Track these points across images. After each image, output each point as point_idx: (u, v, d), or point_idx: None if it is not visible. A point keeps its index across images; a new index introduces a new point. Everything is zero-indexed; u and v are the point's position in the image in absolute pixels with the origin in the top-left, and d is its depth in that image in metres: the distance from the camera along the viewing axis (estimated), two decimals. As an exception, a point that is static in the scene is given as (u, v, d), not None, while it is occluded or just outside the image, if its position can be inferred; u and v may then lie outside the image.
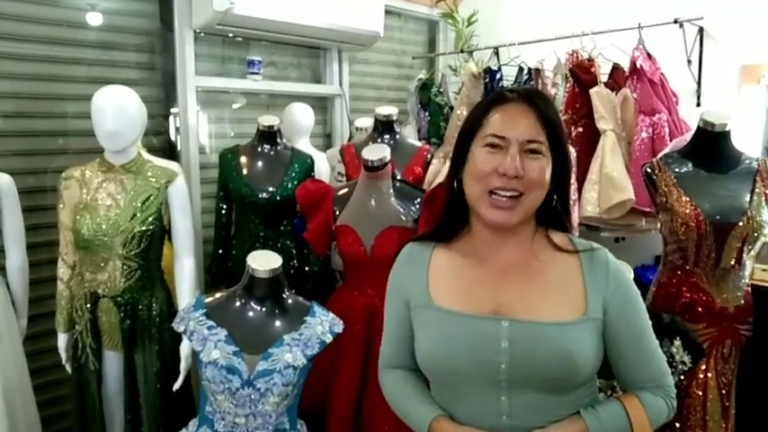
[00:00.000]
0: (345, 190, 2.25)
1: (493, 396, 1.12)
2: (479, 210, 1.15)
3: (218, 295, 1.78)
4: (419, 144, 2.80)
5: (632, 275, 1.84)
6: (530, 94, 1.16)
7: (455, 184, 1.22)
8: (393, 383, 1.31)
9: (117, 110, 2.00)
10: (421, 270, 1.24)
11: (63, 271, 2.15)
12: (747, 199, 2.00)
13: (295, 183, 2.57)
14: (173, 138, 3.03)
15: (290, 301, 1.77)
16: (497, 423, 1.12)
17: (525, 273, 1.17)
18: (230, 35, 3.06)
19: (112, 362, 2.14)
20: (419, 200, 2.16)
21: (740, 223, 1.97)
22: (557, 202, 1.19)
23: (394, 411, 1.29)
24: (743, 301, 2.08)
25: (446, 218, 1.26)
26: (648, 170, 2.14)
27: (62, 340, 2.17)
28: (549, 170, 1.13)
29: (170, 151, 3.01)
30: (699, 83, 2.85)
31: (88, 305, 2.08)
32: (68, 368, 2.18)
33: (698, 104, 2.84)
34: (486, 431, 1.12)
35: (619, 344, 1.15)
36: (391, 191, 2.17)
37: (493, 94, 1.23)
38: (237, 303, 1.73)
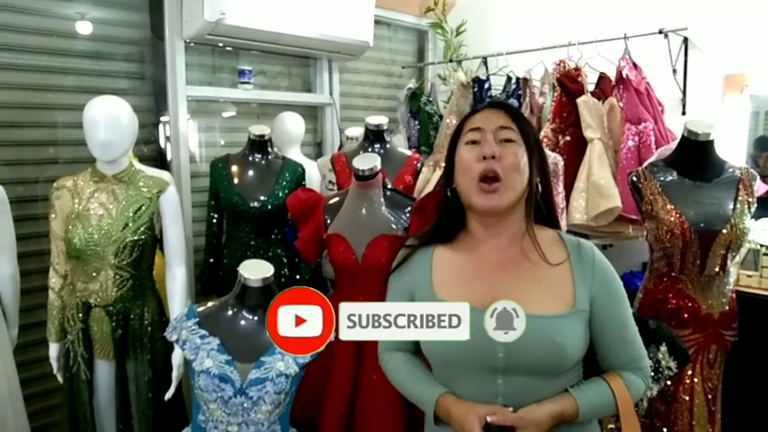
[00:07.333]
0: (336, 199, 2.26)
1: (490, 380, 1.24)
2: (471, 199, 1.27)
3: (210, 304, 1.78)
4: (409, 153, 2.82)
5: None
6: (500, 102, 1.43)
7: (449, 192, 1.35)
8: (396, 365, 1.41)
9: (109, 120, 2.01)
10: (425, 266, 1.36)
11: (54, 281, 2.15)
12: (731, 207, 2.04)
13: (286, 192, 2.58)
14: (163, 147, 3.04)
15: (281, 309, 1.77)
16: (493, 403, 1.23)
17: (520, 268, 1.28)
18: (221, 45, 3.07)
19: (104, 371, 2.13)
20: (410, 208, 2.17)
21: (724, 231, 2.01)
22: (541, 200, 1.32)
23: (398, 390, 1.41)
24: (728, 307, 2.12)
25: (444, 220, 1.38)
26: (634, 179, 2.17)
27: (53, 350, 2.16)
28: (525, 157, 1.27)
29: (161, 160, 3.02)
30: (684, 92, 2.91)
31: (80, 315, 2.08)
32: (60, 378, 2.17)
33: (683, 113, 2.89)
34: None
35: (604, 331, 1.28)
36: (382, 200, 2.18)
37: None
38: (229, 312, 1.73)
